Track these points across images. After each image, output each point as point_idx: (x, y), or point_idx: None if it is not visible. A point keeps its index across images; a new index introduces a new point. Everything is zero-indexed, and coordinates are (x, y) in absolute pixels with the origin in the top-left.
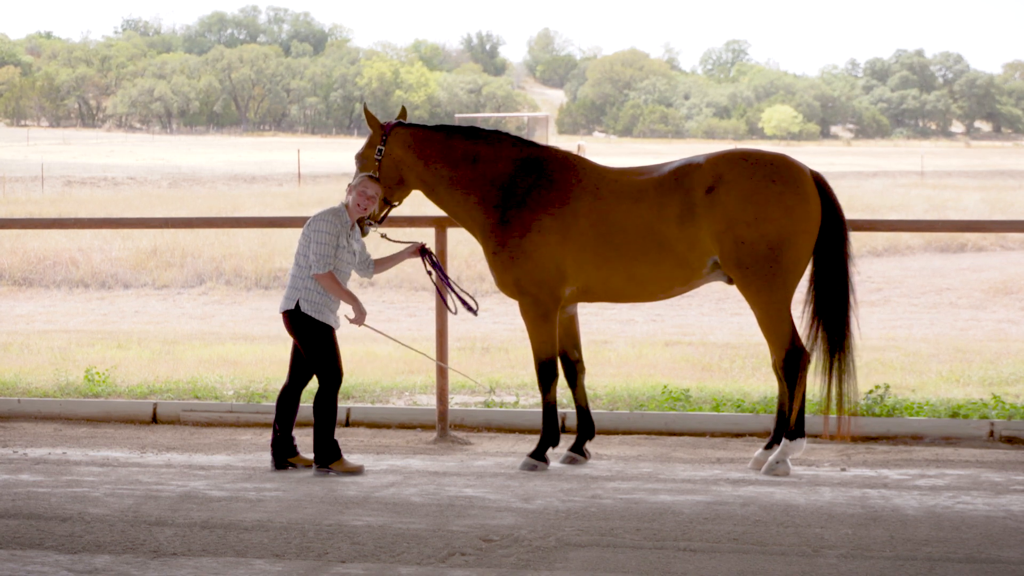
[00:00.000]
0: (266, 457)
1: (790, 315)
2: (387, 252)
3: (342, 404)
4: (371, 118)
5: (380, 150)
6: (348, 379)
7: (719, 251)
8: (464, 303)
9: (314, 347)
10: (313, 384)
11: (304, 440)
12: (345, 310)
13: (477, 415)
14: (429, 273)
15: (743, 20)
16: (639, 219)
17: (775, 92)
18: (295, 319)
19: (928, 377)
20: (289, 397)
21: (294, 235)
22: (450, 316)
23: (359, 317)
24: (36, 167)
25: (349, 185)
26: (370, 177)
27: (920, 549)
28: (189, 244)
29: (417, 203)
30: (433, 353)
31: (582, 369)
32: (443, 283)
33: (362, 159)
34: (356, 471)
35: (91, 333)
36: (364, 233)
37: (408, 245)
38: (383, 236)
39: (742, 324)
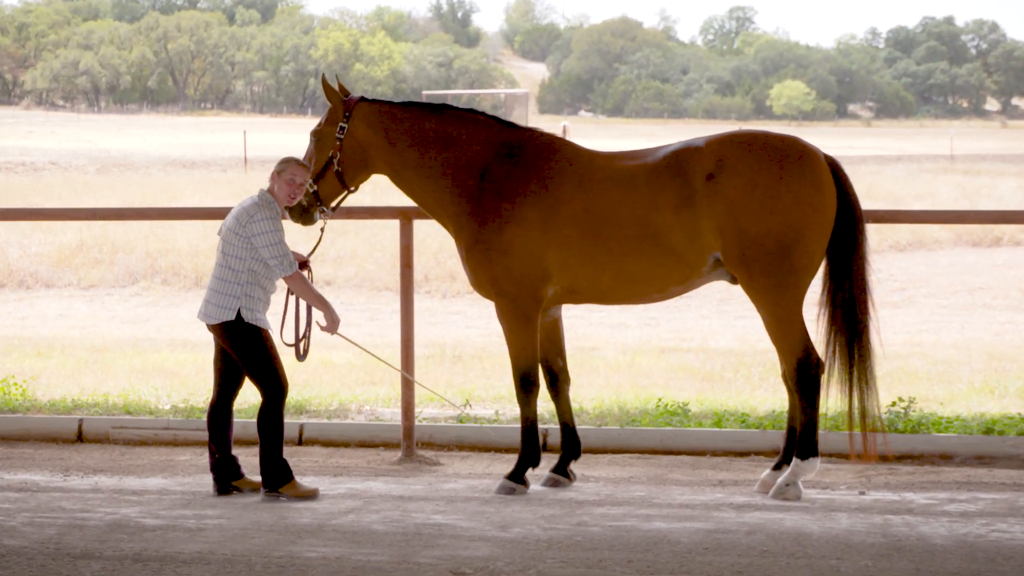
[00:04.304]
0: (207, 480)
1: (802, 319)
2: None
3: (295, 420)
4: (331, 92)
5: (342, 128)
6: (302, 391)
7: (721, 246)
8: (298, 342)
9: (256, 357)
10: (246, 397)
11: (250, 460)
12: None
13: (448, 432)
14: (290, 292)
15: None
16: (631, 210)
17: (785, 66)
18: (235, 330)
19: (959, 388)
20: (220, 414)
21: None
22: (416, 320)
23: (331, 325)
24: None
25: (274, 172)
26: (298, 163)
27: None
28: (120, 238)
29: (380, 192)
30: (398, 363)
31: (567, 380)
32: (307, 311)
33: (319, 136)
34: (310, 495)
35: (7, 339)
36: (312, 221)
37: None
38: (321, 230)
39: (747, 328)
